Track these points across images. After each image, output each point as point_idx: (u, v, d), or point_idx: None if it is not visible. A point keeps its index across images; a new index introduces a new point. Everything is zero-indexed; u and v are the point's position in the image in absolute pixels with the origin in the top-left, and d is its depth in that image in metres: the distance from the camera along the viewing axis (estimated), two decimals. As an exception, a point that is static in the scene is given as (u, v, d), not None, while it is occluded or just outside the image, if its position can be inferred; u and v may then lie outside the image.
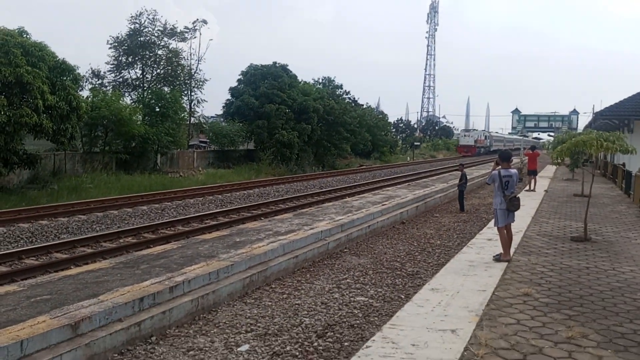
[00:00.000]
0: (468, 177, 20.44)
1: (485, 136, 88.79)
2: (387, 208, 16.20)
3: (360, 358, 4.89)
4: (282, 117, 38.51)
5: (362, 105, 61.67)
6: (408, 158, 66.59)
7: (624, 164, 23.52)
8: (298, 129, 39.47)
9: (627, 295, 7.07)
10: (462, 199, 19.12)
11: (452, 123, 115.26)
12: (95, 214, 16.56)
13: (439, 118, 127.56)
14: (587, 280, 7.81)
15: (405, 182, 27.64)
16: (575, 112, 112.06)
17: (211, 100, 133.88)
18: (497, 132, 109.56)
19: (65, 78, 21.63)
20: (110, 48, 35.03)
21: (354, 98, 59.26)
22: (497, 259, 8.95)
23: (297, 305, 8.17)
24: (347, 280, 9.72)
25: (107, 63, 35.48)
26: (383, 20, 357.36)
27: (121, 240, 12.91)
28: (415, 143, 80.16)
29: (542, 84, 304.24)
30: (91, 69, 35.22)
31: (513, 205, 8.86)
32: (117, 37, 34.95)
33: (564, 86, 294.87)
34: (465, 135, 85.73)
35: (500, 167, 9.06)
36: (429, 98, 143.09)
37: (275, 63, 42.84)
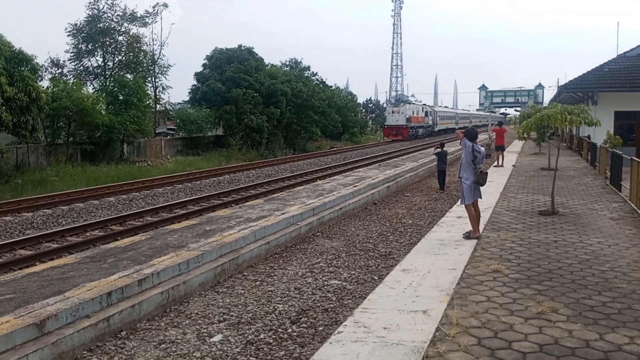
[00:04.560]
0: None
1: (426, 112, 63.06)
2: (359, 189, 16.20)
3: (332, 344, 4.85)
4: (250, 102, 38.06)
5: (331, 86, 61.27)
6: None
7: (589, 136, 23.92)
8: (267, 113, 39.10)
9: (595, 268, 7.18)
10: (443, 178, 19.02)
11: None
12: (61, 208, 16.15)
13: (408, 97, 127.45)
14: (556, 254, 7.91)
15: (376, 163, 27.70)
16: (540, 86, 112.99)
17: (177, 87, 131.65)
18: (446, 107, 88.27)
19: (23, 68, 20.96)
20: (68, 36, 34.05)
21: (322, 79, 58.87)
22: (467, 236, 9.02)
23: (270, 292, 8.12)
24: (320, 264, 9.70)
25: (67, 51, 34.46)
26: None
27: (87, 234, 12.60)
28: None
29: (508, 59, 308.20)
30: (50, 58, 34.19)
31: (483, 178, 8.92)
32: (76, 24, 33.91)
33: (529, 61, 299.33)
34: (393, 112, 56.98)
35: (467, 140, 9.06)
36: (397, 77, 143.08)
37: (240, 46, 42.18)
